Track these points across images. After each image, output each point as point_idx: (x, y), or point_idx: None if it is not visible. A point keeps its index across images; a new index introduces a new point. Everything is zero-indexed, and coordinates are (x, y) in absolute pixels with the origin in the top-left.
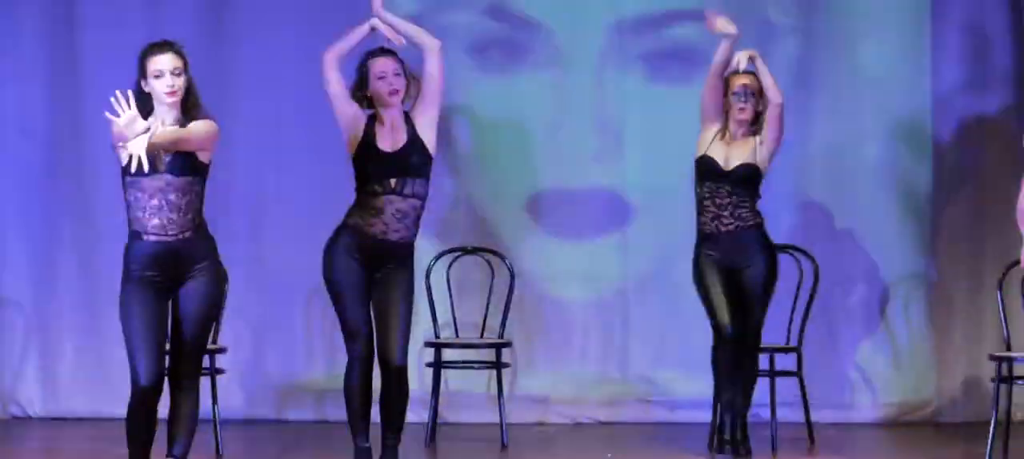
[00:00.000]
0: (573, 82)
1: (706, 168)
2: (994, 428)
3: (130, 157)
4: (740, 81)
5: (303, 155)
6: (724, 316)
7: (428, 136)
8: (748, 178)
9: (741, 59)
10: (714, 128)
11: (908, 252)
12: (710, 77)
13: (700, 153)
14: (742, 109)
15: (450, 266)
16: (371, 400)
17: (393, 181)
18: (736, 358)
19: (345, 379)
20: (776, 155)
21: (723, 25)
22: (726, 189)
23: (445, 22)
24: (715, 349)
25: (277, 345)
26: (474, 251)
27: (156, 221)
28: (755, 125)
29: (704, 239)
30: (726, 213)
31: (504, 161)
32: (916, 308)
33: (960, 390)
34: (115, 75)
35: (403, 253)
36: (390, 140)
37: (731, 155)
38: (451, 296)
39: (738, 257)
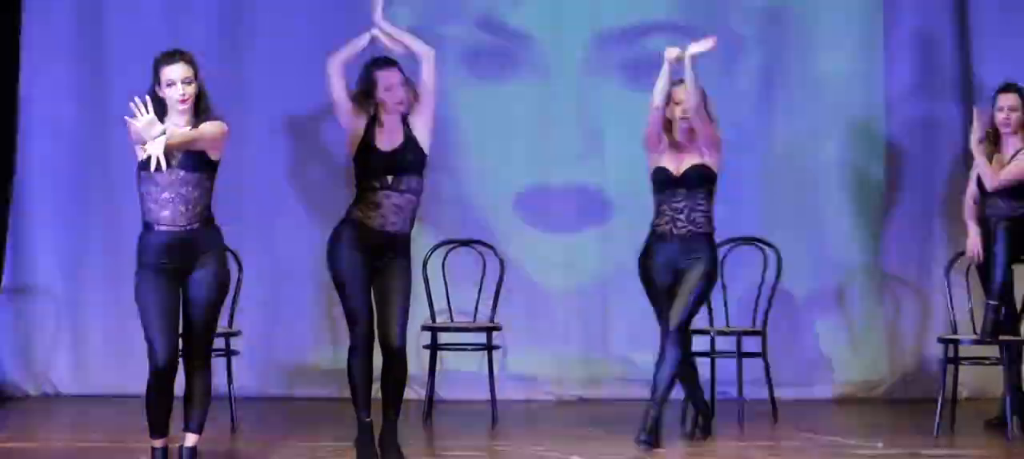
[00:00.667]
0: (557, 88)
1: (660, 178)
2: (941, 405)
3: (148, 156)
4: (680, 94)
5: (309, 153)
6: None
7: (422, 137)
8: (702, 179)
9: (670, 53)
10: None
11: (863, 243)
12: (654, 110)
13: (655, 166)
14: (685, 117)
15: (445, 257)
16: (372, 379)
17: (390, 178)
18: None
19: (348, 360)
20: (720, 151)
21: (694, 47)
22: (681, 193)
23: (440, 33)
24: (667, 351)
25: (287, 329)
26: (467, 243)
27: (167, 213)
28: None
29: (655, 238)
30: (682, 217)
31: (494, 161)
32: (870, 294)
33: (911, 370)
34: (139, 72)
35: (401, 244)
36: (388, 141)
37: (682, 161)
38: (446, 284)
39: (683, 259)
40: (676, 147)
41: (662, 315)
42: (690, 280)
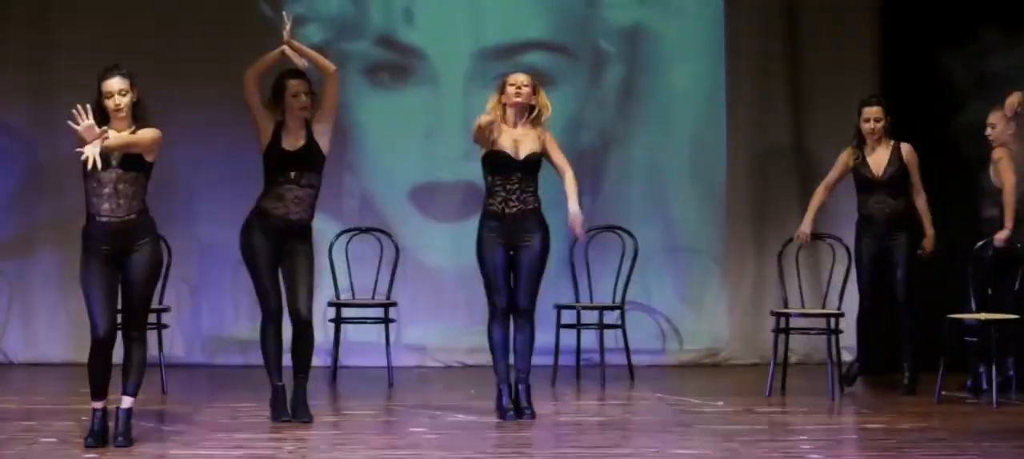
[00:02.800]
0: (445, 97)
1: (497, 160)
2: (773, 368)
3: (89, 157)
4: (517, 77)
5: (226, 153)
6: (501, 297)
7: (323, 141)
8: (536, 164)
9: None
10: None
11: (708, 230)
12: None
13: (491, 149)
14: (517, 95)
15: (348, 243)
16: (283, 348)
17: (293, 173)
18: (515, 328)
19: (261, 332)
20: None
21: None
22: (518, 175)
23: (344, 49)
24: (491, 325)
25: (210, 304)
26: (367, 230)
27: (107, 206)
28: (532, 115)
29: (488, 217)
30: (513, 198)
31: (391, 159)
32: (713, 274)
33: (748, 338)
34: (84, 77)
35: (303, 230)
36: (292, 142)
37: (520, 146)
38: (349, 266)
39: (518, 237)
40: (512, 130)
41: (495, 293)
42: (529, 262)
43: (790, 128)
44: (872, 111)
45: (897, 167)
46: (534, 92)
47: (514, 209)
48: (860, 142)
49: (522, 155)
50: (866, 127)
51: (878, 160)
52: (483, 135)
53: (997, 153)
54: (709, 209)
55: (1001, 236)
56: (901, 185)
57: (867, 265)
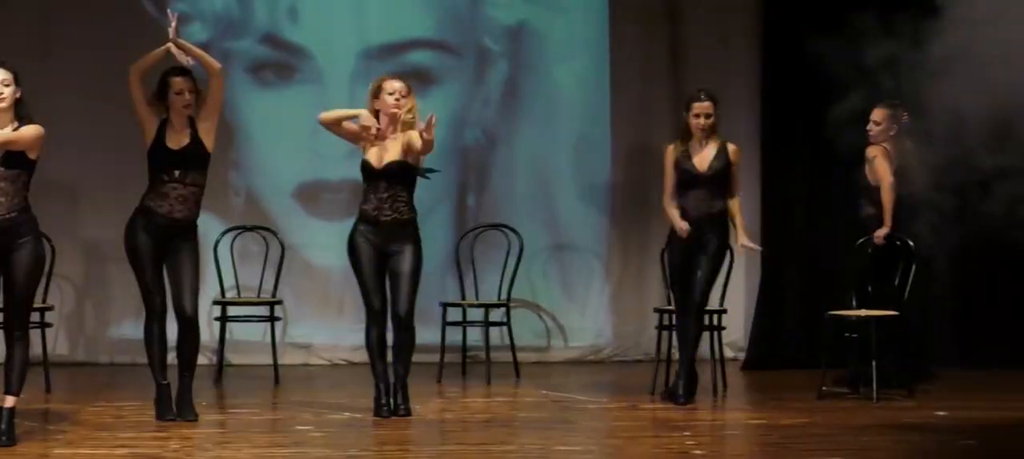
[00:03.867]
0: (330, 95)
1: (363, 168)
2: (656, 363)
3: None
4: (391, 84)
5: (111, 151)
6: (376, 299)
7: (207, 139)
8: (399, 172)
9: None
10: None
11: (592, 228)
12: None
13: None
14: (396, 106)
15: (234, 241)
16: (167, 346)
17: (177, 172)
18: (394, 332)
19: (145, 330)
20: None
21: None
22: (383, 184)
23: (229, 48)
24: (369, 328)
25: (94, 302)
26: (253, 229)
27: None
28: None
29: (362, 220)
30: (386, 206)
31: (276, 158)
32: (598, 272)
33: (632, 335)
34: None
35: (187, 229)
36: (176, 140)
37: (384, 154)
38: (234, 264)
39: (391, 244)
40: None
41: (370, 298)
42: (405, 269)
43: (673, 127)
44: (702, 106)
45: (722, 163)
46: (410, 101)
47: (388, 217)
48: (686, 137)
49: (382, 164)
50: (695, 122)
51: (703, 157)
52: (355, 135)
53: (871, 151)
54: (593, 207)
55: (880, 234)
56: (723, 184)
57: (681, 266)
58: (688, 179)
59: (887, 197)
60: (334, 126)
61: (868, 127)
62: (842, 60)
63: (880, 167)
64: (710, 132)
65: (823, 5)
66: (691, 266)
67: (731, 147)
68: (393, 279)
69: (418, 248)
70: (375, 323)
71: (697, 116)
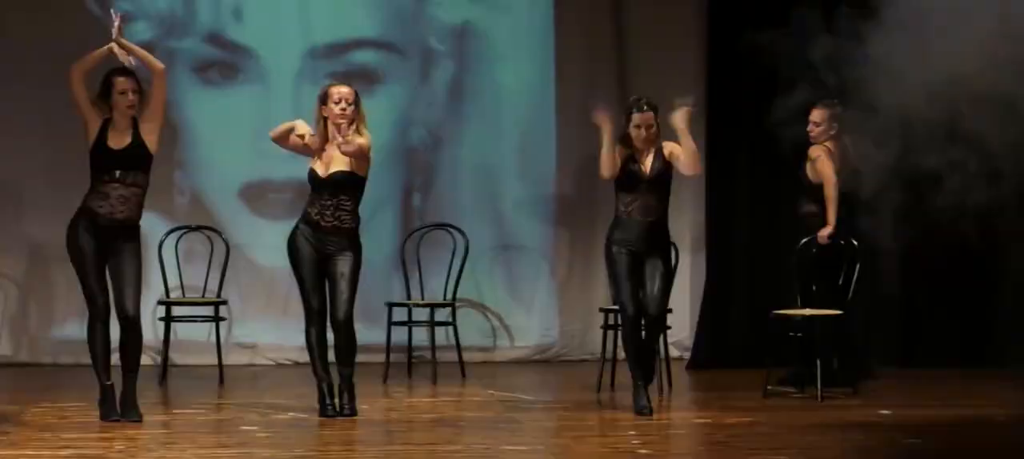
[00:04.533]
0: (275, 95)
1: (309, 176)
2: (602, 363)
3: None
4: (339, 91)
5: (55, 150)
6: (315, 299)
7: (150, 139)
8: (343, 182)
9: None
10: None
11: (538, 228)
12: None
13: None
14: (342, 116)
15: (178, 241)
16: (111, 347)
17: (119, 172)
18: (331, 334)
19: (88, 331)
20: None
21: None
22: (327, 193)
23: (173, 47)
24: (308, 328)
25: (38, 303)
26: (197, 228)
27: None
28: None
29: (304, 221)
30: (328, 213)
31: (221, 157)
32: (543, 272)
33: (577, 335)
34: None
35: (130, 229)
36: (119, 140)
37: (330, 163)
38: (179, 264)
39: (330, 246)
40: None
41: (309, 299)
42: (342, 272)
43: (618, 127)
44: (644, 118)
45: (662, 164)
46: (357, 105)
47: (329, 224)
48: (627, 144)
49: (327, 173)
50: (636, 133)
51: (646, 162)
52: (304, 147)
53: (814, 151)
54: (539, 207)
55: (824, 233)
56: (666, 188)
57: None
58: (632, 181)
59: (830, 196)
60: (282, 141)
61: (809, 127)
62: (786, 57)
63: (823, 166)
64: (652, 142)
65: (767, 3)
66: (639, 277)
67: (667, 147)
68: (331, 282)
69: (357, 253)
70: (314, 323)
71: (638, 127)
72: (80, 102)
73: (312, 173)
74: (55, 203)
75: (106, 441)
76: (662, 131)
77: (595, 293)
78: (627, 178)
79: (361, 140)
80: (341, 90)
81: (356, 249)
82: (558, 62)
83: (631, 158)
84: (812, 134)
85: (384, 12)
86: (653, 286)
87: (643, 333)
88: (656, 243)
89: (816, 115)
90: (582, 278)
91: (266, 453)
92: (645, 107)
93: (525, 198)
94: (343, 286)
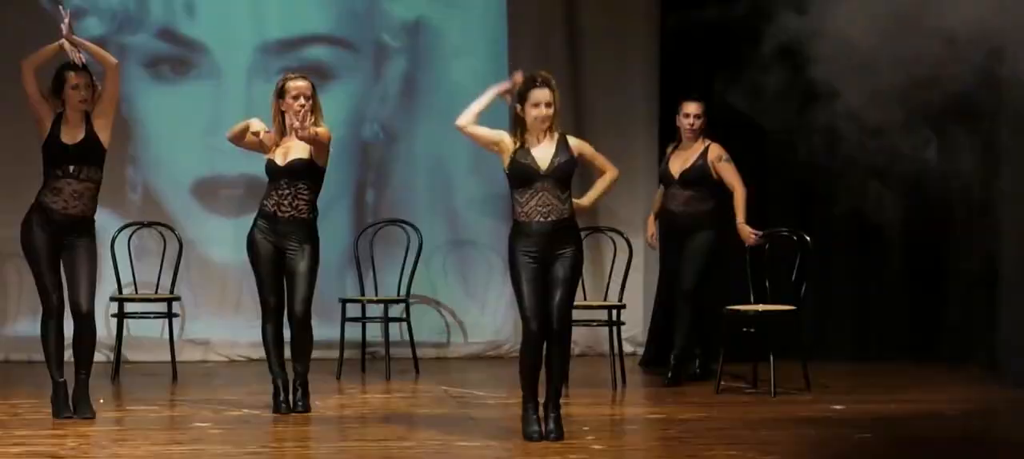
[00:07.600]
0: (227, 90)
1: (267, 167)
2: None
3: None
4: (296, 85)
5: (7, 146)
6: (272, 297)
7: (103, 134)
8: (302, 170)
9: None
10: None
11: (491, 224)
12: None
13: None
14: (301, 109)
15: (131, 237)
16: (64, 344)
17: (72, 167)
18: (292, 331)
19: (42, 327)
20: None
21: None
22: (285, 181)
23: (125, 42)
24: (265, 325)
25: None
26: (150, 225)
27: None
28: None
29: (261, 215)
30: (285, 202)
31: (173, 153)
32: (498, 269)
33: None
34: None
35: (84, 225)
36: (71, 135)
37: (289, 152)
38: (132, 260)
39: (288, 242)
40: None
41: (266, 295)
42: (297, 267)
43: (571, 123)
44: (542, 94)
45: (566, 158)
46: (314, 97)
47: (286, 214)
48: (519, 130)
49: (286, 160)
50: (535, 112)
51: (543, 154)
52: (260, 145)
53: (715, 149)
54: (492, 203)
55: (751, 234)
56: (568, 182)
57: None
58: (526, 177)
59: (740, 193)
60: (238, 140)
61: (690, 122)
62: (736, 55)
63: (727, 168)
64: (550, 128)
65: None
66: (544, 282)
67: (573, 141)
68: (289, 278)
69: (315, 248)
70: (270, 320)
71: (536, 105)
72: (32, 97)
73: (270, 163)
74: (8, 199)
75: (58, 438)
76: (562, 117)
77: None
78: (518, 173)
79: (319, 129)
80: (298, 84)
81: (314, 243)
82: (511, 58)
83: (521, 149)
84: (693, 128)
85: (337, 8)
86: (556, 294)
87: (544, 349)
88: (562, 244)
89: (692, 108)
90: None
91: (219, 449)
92: (543, 84)
93: (479, 195)
94: (301, 283)
